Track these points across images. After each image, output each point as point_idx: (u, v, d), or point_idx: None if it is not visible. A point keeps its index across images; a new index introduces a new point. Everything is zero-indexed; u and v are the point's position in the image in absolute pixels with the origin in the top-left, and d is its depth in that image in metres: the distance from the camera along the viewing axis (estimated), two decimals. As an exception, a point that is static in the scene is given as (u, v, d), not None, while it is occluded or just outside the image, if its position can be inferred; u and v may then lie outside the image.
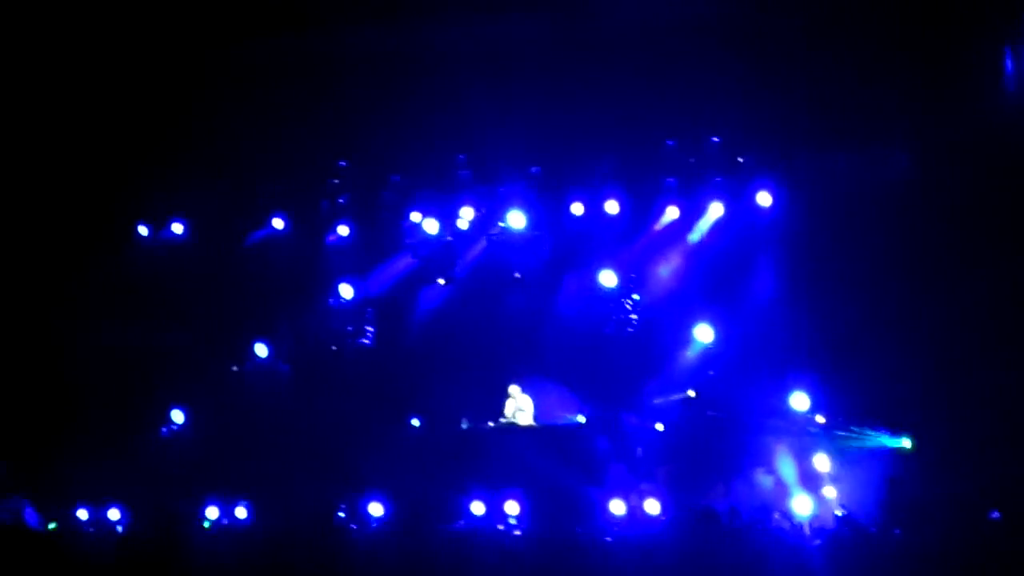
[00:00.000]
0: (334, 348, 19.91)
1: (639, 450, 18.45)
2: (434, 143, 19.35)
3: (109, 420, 18.80)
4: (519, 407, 18.85)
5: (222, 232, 20.04)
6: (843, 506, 16.18)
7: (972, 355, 17.46)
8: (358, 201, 20.19)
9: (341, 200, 20.16)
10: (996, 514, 14.39)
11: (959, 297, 17.60)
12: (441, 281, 20.01)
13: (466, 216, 19.99)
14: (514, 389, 18.86)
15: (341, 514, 16.76)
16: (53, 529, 16.95)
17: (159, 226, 20.11)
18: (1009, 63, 17.80)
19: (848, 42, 17.80)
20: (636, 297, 19.43)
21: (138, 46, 18.05)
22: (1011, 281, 17.45)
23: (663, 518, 16.50)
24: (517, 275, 19.73)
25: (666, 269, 19.43)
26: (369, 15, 18.05)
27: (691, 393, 18.56)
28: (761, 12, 17.77)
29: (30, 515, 17.01)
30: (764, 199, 19.08)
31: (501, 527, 16.54)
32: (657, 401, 18.41)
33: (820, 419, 17.95)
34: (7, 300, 19.04)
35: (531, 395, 18.90)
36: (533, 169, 19.69)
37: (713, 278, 19.15)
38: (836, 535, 14.19)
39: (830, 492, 16.78)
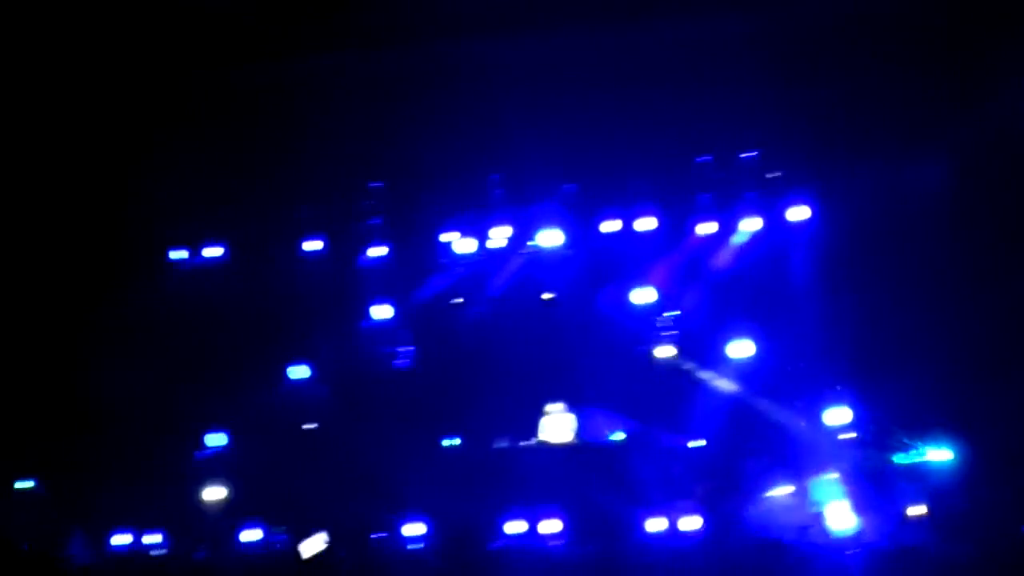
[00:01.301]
0: (371, 369, 19.90)
1: (678, 467, 18.46)
2: (467, 162, 19.36)
3: (147, 444, 18.82)
4: (559, 425, 18.86)
5: (258, 254, 20.05)
6: (881, 520, 16.10)
7: (1014, 365, 17.33)
8: (392, 222, 20.21)
9: (375, 221, 20.18)
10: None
11: (1002, 306, 17.53)
12: (458, 300, 19.99)
13: (500, 235, 19.95)
14: (554, 407, 18.88)
15: (380, 535, 16.76)
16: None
17: (195, 249, 20.13)
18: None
19: (879, 52, 17.76)
20: (673, 314, 19.40)
21: (171, 65, 18.07)
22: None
23: (702, 535, 16.40)
24: (546, 296, 19.70)
25: (702, 286, 19.38)
26: (402, 33, 18.06)
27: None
28: (791, 24, 17.69)
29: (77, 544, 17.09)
30: (798, 213, 19.04)
31: (540, 545, 16.51)
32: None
33: (860, 433, 17.88)
34: (46, 325, 19.09)
35: (569, 413, 18.94)
36: (566, 187, 19.69)
37: (750, 294, 19.10)
38: (877, 550, 14.13)
39: (870, 507, 16.62)
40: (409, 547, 16.59)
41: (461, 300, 20.06)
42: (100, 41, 17.70)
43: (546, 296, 19.75)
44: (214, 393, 19.22)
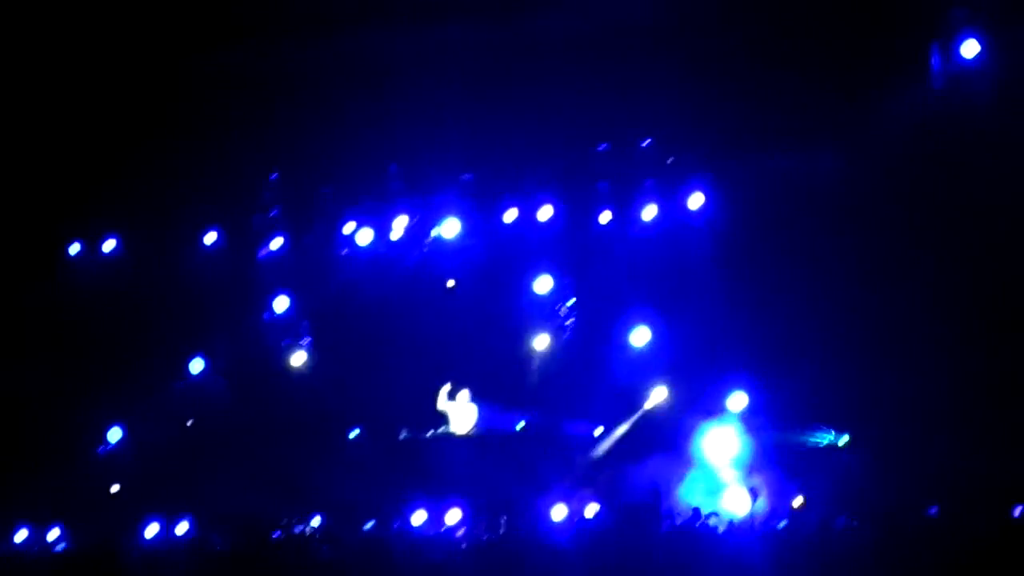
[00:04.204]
0: (271, 361, 19.81)
1: (578, 456, 18.57)
2: (366, 153, 19.30)
3: (47, 439, 18.64)
4: (462, 415, 18.92)
5: (156, 247, 19.86)
6: (780, 504, 16.31)
7: (907, 351, 17.61)
8: (291, 213, 20.11)
9: (274, 213, 20.07)
10: (934, 510, 14.56)
11: (892, 294, 17.77)
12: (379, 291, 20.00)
13: (399, 225, 19.92)
14: (456, 397, 18.94)
15: (283, 525, 16.69)
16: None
17: (93, 242, 19.91)
18: (935, 60, 17.95)
19: (776, 43, 17.91)
20: (572, 302, 19.48)
21: (64, 60, 17.88)
22: (943, 278, 17.63)
23: (602, 521, 16.48)
24: (451, 283, 19.70)
25: (600, 274, 19.47)
26: (298, 26, 17.98)
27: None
28: (689, 16, 17.82)
29: None
30: (696, 200, 19.19)
31: (443, 534, 16.54)
32: None
33: (758, 419, 18.06)
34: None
35: (471, 402, 19.01)
36: (465, 176, 19.70)
37: (648, 281, 19.18)
38: (773, 532, 14.30)
39: (768, 491, 16.82)
40: (312, 539, 16.53)
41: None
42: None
43: (450, 283, 19.73)
44: (112, 388, 19.08)
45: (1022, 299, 17.51)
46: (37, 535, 17.29)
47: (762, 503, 15.79)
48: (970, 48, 17.67)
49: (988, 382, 17.16)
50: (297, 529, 16.64)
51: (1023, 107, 17.65)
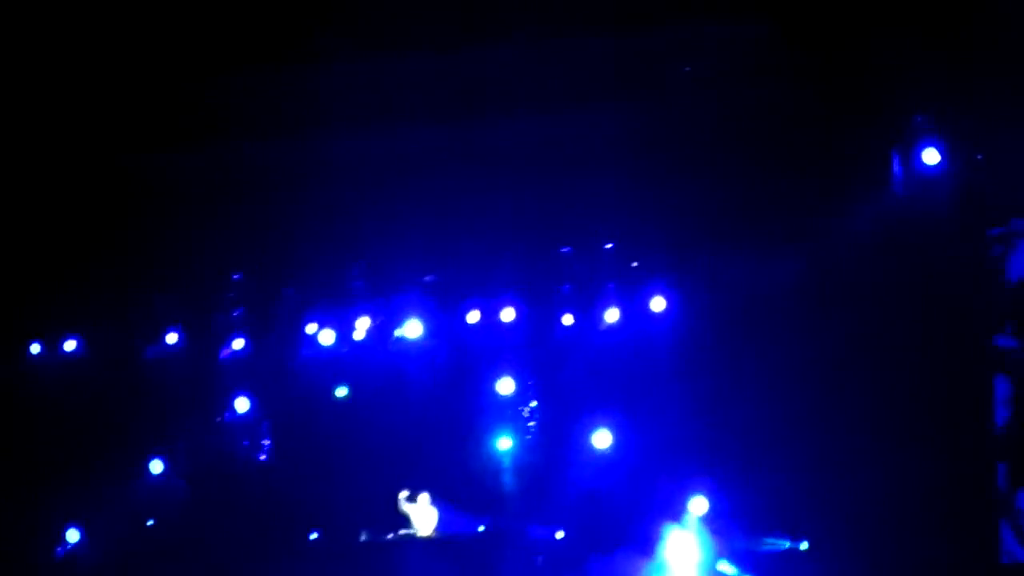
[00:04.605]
0: (230, 463, 19.72)
1: (539, 559, 18.47)
2: (328, 253, 19.30)
3: (3, 539, 18.51)
4: (423, 516, 18.81)
5: (115, 348, 19.78)
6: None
7: (870, 455, 17.59)
8: (253, 314, 20.05)
9: (235, 313, 20.02)
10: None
11: (854, 399, 17.79)
12: (340, 392, 19.93)
13: (362, 326, 19.88)
14: (416, 499, 18.85)
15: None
16: None
17: (51, 343, 19.83)
18: (897, 166, 18.08)
19: (740, 146, 18.02)
20: (533, 404, 19.45)
21: (21, 156, 17.90)
22: (905, 382, 17.67)
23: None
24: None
25: (563, 376, 19.45)
26: (260, 126, 18.05)
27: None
28: (652, 123, 17.95)
29: None
30: (658, 304, 19.19)
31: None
32: None
33: (719, 522, 17.99)
34: None
35: (431, 505, 18.92)
36: (428, 277, 19.70)
37: (611, 384, 19.15)
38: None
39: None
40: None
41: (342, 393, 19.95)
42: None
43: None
44: (70, 488, 18.96)
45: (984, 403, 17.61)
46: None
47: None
48: (931, 156, 17.79)
49: (947, 484, 17.23)
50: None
51: (983, 213, 17.91)
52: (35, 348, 19.82)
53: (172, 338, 19.88)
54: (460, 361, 19.70)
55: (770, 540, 17.87)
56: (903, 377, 17.70)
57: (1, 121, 17.49)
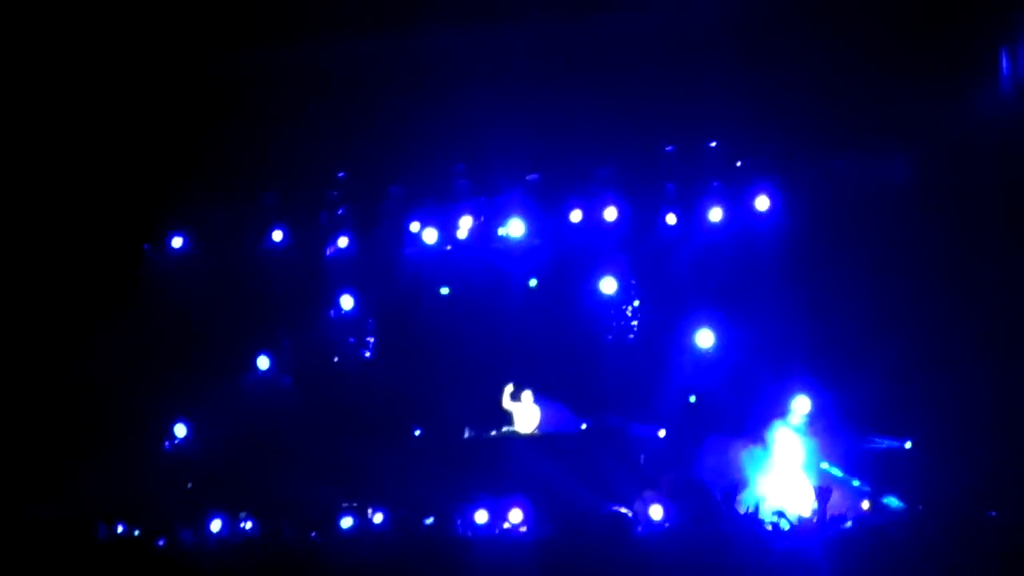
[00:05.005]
0: (336, 359, 19.90)
1: (642, 457, 18.54)
2: (432, 152, 19.34)
3: (113, 434, 18.79)
4: (526, 415, 18.94)
5: (222, 245, 20.01)
6: (846, 506, 16.23)
7: (974, 355, 17.46)
8: (357, 212, 20.18)
9: (340, 211, 20.14)
10: (994, 513, 14.45)
11: (962, 298, 17.64)
12: (444, 290, 20.04)
13: (465, 225, 19.94)
14: (521, 397, 18.97)
15: (346, 523, 16.79)
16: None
17: (159, 241, 20.07)
18: (1005, 63, 17.80)
19: (846, 44, 17.77)
20: (636, 304, 19.46)
21: (127, 58, 17.94)
22: (1014, 282, 17.48)
23: (666, 524, 16.45)
24: (533, 283, 19.72)
25: (666, 276, 19.43)
26: (364, 23, 17.98)
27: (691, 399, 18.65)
28: (758, 15, 17.73)
29: None
30: (763, 203, 19.10)
31: (506, 534, 16.56)
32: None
33: (823, 421, 17.97)
34: (20, 316, 18.95)
35: (534, 403, 19.03)
36: (531, 176, 19.70)
37: (714, 283, 19.14)
38: (836, 535, 14.21)
39: (831, 494, 16.71)
40: (376, 534, 16.62)
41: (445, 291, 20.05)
42: (44, 33, 17.55)
43: (532, 283, 19.77)
44: (179, 384, 19.22)
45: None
46: (106, 528, 17.43)
47: (827, 504, 15.66)
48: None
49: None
50: (358, 524, 16.75)
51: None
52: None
53: (278, 236, 20.12)
54: (562, 260, 19.79)
55: (873, 439, 17.81)
56: (1010, 280, 17.48)
57: (113, 25, 17.57)
